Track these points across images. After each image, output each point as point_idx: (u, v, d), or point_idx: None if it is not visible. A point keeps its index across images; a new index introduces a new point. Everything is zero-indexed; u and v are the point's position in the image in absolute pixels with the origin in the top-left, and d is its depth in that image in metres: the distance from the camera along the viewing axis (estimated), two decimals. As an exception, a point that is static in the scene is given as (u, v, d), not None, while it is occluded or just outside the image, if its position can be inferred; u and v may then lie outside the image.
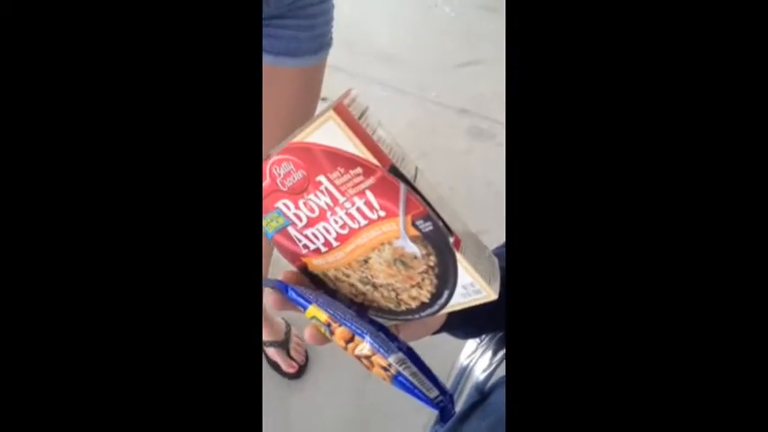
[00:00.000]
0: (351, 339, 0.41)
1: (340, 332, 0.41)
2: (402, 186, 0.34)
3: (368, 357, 0.41)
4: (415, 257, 0.37)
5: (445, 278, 0.37)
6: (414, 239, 0.36)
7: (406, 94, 2.15)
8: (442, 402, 0.41)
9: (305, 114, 0.96)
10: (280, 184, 0.40)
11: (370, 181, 0.34)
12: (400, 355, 0.40)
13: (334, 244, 0.42)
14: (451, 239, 0.35)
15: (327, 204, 0.38)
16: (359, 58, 2.28)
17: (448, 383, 0.69)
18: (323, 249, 0.43)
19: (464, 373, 0.68)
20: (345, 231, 0.40)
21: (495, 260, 0.39)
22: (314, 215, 0.40)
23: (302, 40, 0.86)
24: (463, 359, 0.69)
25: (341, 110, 0.33)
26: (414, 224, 0.35)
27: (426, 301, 0.40)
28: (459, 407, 0.68)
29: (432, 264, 0.37)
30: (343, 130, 0.33)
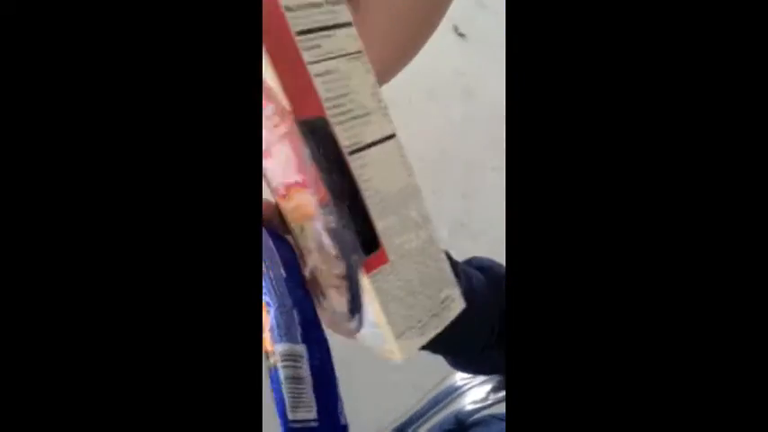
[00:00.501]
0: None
1: None
2: (306, 151, 0.22)
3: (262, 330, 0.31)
4: (331, 254, 0.26)
5: (354, 300, 0.25)
6: (326, 230, 0.24)
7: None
8: (305, 426, 0.30)
9: (425, 21, 0.79)
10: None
11: (284, 128, 0.23)
12: (297, 348, 0.30)
13: (282, 191, 0.31)
14: (363, 256, 0.23)
15: (268, 141, 0.28)
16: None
17: (431, 394, 0.58)
18: (280, 191, 0.33)
19: (452, 393, 0.57)
20: (287, 182, 0.29)
21: (450, 313, 0.26)
22: (264, 147, 0.30)
23: None
24: (458, 379, 0.57)
25: (272, 14, 0.22)
26: (323, 212, 0.23)
27: (345, 311, 0.29)
28: (428, 427, 0.58)
29: (341, 273, 0.25)
30: (264, 44, 0.22)
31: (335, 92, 0.23)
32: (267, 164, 0.31)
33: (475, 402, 0.56)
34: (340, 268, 0.25)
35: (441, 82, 1.41)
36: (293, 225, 0.32)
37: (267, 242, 0.34)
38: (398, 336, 0.23)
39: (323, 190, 0.22)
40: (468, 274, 0.35)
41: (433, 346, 0.37)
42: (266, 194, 0.36)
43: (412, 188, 0.25)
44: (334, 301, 0.30)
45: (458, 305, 0.26)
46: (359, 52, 0.24)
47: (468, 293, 0.32)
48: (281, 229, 0.35)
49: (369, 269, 0.23)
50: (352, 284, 0.24)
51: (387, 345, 0.24)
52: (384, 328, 0.23)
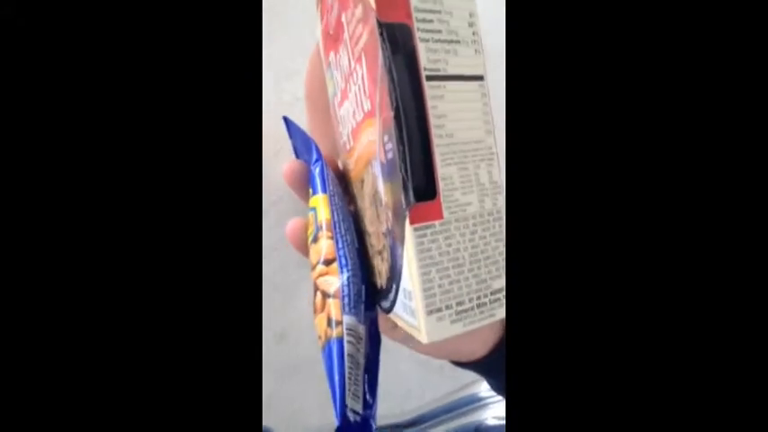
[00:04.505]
0: (329, 262, 0.26)
1: (326, 245, 0.25)
2: (380, 59, 0.16)
3: (325, 295, 0.25)
4: (384, 203, 0.20)
5: (394, 262, 0.19)
6: (383, 167, 0.18)
7: None
8: (355, 419, 0.24)
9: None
10: (328, 22, 0.25)
11: (365, 37, 0.17)
12: (360, 329, 0.24)
13: (350, 143, 0.26)
14: (413, 201, 0.16)
15: (348, 68, 0.22)
16: None
17: (450, 398, 0.50)
18: (348, 145, 0.27)
19: (473, 402, 0.49)
20: (354, 123, 0.24)
21: (501, 311, 0.19)
22: (342, 85, 0.25)
23: None
24: (483, 390, 0.49)
25: None
26: (383, 139, 0.17)
27: (384, 285, 0.23)
28: (443, 429, 0.50)
29: (387, 227, 0.19)
30: None
31: (428, 4, 0.17)
32: (342, 110, 0.26)
33: (498, 418, 0.48)
34: (387, 220, 0.19)
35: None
36: (356, 184, 0.27)
37: (344, 202, 0.28)
38: (430, 312, 0.17)
39: (387, 110, 0.16)
40: None
41: (478, 366, 0.30)
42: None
43: (487, 149, 0.18)
44: (377, 275, 0.24)
45: (498, 311, 0.19)
46: None
47: None
48: (348, 200, 0.29)
49: (416, 220, 0.17)
50: (394, 243, 0.18)
51: (415, 320, 0.18)
52: (417, 298, 0.17)
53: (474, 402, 0.49)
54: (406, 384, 0.60)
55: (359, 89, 0.20)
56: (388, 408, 0.50)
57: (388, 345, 0.28)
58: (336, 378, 0.22)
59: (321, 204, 0.27)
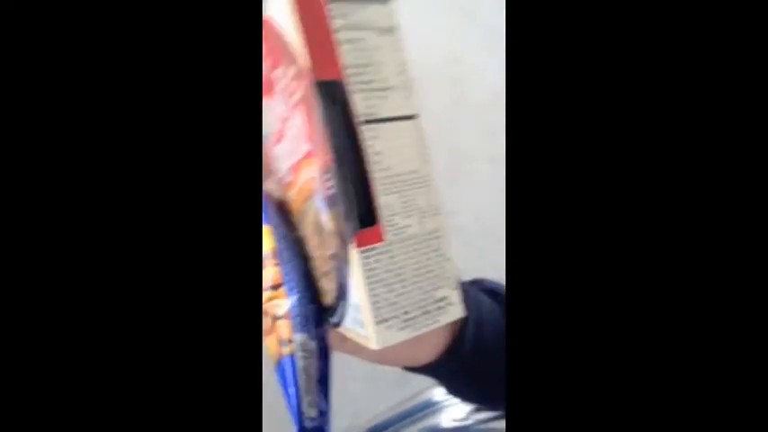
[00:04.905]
0: (276, 287, 0.28)
1: (272, 272, 0.27)
2: (318, 111, 0.18)
3: (275, 318, 0.27)
4: (328, 231, 0.22)
5: (341, 281, 0.21)
6: (326, 201, 0.21)
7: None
8: (312, 425, 0.26)
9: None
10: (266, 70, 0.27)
11: (300, 91, 0.20)
12: (311, 344, 0.26)
13: (289, 177, 0.28)
14: (357, 228, 0.19)
15: (281, 115, 0.25)
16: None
17: (405, 405, 0.53)
18: (285, 179, 0.29)
19: (429, 407, 0.51)
20: (293, 161, 0.26)
21: (445, 317, 0.21)
22: (276, 127, 0.27)
23: None
24: (437, 394, 0.52)
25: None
26: (324, 177, 0.20)
27: (332, 303, 0.25)
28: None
29: (333, 251, 0.21)
30: (290, 2, 0.19)
31: (358, 60, 0.19)
32: (278, 149, 0.28)
33: (454, 420, 0.50)
34: (332, 246, 0.21)
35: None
36: (296, 215, 0.29)
37: (285, 231, 0.30)
38: (379, 321, 0.19)
39: (328, 153, 0.18)
40: (478, 300, 0.29)
41: (430, 370, 0.32)
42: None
43: (424, 176, 0.21)
44: (324, 294, 0.26)
45: (455, 311, 0.22)
46: (391, 29, 0.20)
47: (477, 325, 0.27)
48: (290, 229, 0.31)
49: (361, 244, 0.19)
50: (341, 265, 0.20)
51: (364, 330, 0.20)
52: (365, 311, 0.19)
53: (428, 407, 0.51)
54: (353, 405, 0.61)
55: (297, 132, 0.22)
56: (338, 421, 0.51)
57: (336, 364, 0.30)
58: (292, 390, 0.24)
59: (265, 235, 0.29)
